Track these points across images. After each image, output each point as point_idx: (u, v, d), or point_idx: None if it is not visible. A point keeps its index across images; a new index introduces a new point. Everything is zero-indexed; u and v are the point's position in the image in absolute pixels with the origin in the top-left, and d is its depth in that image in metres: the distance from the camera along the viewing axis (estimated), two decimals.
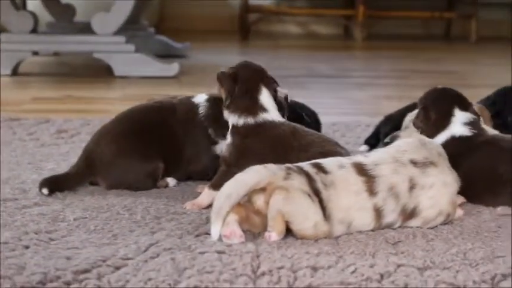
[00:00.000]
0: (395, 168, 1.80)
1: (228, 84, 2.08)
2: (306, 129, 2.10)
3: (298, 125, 2.10)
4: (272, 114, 2.06)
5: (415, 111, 2.21)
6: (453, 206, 1.87)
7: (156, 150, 2.17)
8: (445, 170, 1.87)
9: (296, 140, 2.02)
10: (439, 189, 1.84)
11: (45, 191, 2.04)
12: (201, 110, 2.23)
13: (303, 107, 2.44)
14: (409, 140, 1.94)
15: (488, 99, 2.58)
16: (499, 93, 2.59)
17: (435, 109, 2.12)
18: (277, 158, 1.88)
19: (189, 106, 2.26)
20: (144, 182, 2.14)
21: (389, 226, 1.81)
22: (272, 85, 2.12)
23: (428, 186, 1.82)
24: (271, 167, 1.72)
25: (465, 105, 2.14)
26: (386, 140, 2.01)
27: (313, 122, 2.43)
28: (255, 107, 2.05)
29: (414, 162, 1.83)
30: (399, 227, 1.81)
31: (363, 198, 1.76)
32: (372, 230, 1.78)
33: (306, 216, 1.68)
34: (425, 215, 1.82)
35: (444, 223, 1.86)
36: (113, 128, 2.20)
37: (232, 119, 2.06)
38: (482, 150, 2.06)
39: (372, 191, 1.77)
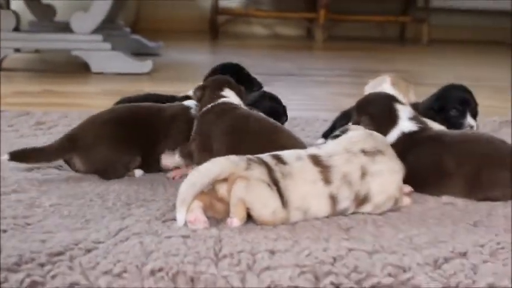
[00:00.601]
0: (347, 158, 1.82)
1: (198, 93, 2.16)
2: (263, 116, 2.12)
3: (255, 112, 2.13)
4: (232, 99, 2.13)
5: None
6: (400, 192, 1.89)
7: (137, 144, 2.15)
8: (391, 158, 1.89)
9: (250, 123, 2.05)
10: (387, 175, 1.85)
11: (5, 156, 2.03)
12: (192, 112, 2.23)
13: (277, 99, 2.45)
14: (358, 132, 1.96)
15: (434, 96, 2.61)
16: (443, 90, 2.61)
17: (378, 112, 2.13)
18: (233, 136, 2.00)
19: (178, 109, 2.27)
20: (118, 171, 2.13)
21: (344, 212, 1.81)
22: (237, 88, 2.18)
23: (378, 173, 1.83)
24: (233, 158, 1.72)
25: (399, 101, 2.17)
26: (337, 132, 2.01)
27: (284, 114, 2.43)
28: (217, 97, 2.12)
29: (364, 151, 1.84)
30: (352, 213, 1.82)
31: (319, 186, 1.77)
32: (327, 217, 1.79)
33: (265, 203, 1.69)
34: (375, 200, 1.83)
35: (392, 208, 1.88)
36: (102, 116, 2.19)
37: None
38: (428, 145, 2.07)
39: (327, 180, 1.78)
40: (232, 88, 2.18)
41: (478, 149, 2.05)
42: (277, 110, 2.37)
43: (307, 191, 1.75)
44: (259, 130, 2.04)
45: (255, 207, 1.68)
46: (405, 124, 2.12)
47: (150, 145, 2.16)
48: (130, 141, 2.15)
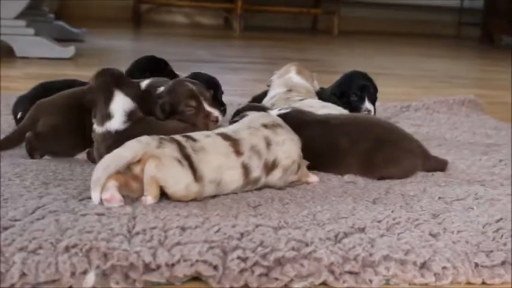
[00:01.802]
0: (251, 132, 1.85)
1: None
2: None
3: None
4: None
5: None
6: (301, 158, 1.93)
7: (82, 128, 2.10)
8: (289, 131, 1.94)
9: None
10: (289, 144, 1.90)
11: None
12: None
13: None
14: (256, 113, 2.01)
15: (337, 82, 2.65)
16: (345, 76, 2.66)
17: None
18: None
19: None
20: (68, 152, 2.12)
21: (257, 181, 1.83)
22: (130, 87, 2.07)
23: (281, 142, 1.87)
24: (145, 139, 1.70)
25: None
26: (236, 118, 2.04)
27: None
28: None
29: (265, 125, 1.89)
30: (260, 189, 1.85)
31: (232, 158, 1.78)
32: (242, 189, 1.81)
33: (177, 180, 1.68)
34: (283, 163, 1.86)
35: (299, 183, 1.94)
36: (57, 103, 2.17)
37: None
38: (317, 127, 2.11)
39: (238, 152, 1.80)
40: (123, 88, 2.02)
41: (369, 130, 2.08)
42: (215, 82, 2.39)
43: (220, 163, 1.76)
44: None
45: (168, 184, 1.68)
46: (277, 112, 2.15)
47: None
48: (79, 127, 2.11)
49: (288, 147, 1.89)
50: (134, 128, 1.95)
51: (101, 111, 1.97)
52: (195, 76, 2.37)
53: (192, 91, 2.04)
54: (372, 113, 2.55)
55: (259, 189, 1.86)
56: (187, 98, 2.03)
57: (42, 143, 2.10)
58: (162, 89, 2.10)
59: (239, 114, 2.13)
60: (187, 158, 1.70)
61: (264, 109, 2.20)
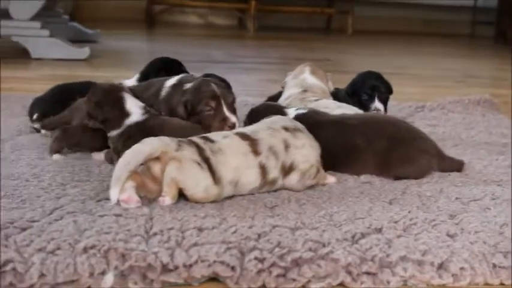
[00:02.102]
0: (270, 133, 1.86)
1: (98, 113, 2.07)
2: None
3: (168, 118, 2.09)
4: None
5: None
6: (319, 163, 1.93)
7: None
8: (310, 136, 1.94)
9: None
10: (309, 148, 1.90)
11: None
12: None
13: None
14: (277, 116, 2.01)
15: (351, 81, 2.67)
16: (358, 76, 2.67)
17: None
18: None
19: None
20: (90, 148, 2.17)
21: (274, 182, 1.83)
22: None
23: (301, 146, 1.88)
24: (164, 139, 1.71)
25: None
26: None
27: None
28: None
29: (286, 128, 1.89)
30: (276, 191, 1.85)
31: (249, 158, 1.79)
32: (259, 190, 1.81)
33: (197, 182, 1.68)
34: (301, 167, 1.87)
35: (318, 184, 1.92)
36: None
37: None
38: (333, 127, 2.11)
39: (256, 152, 1.80)
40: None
41: (385, 130, 2.08)
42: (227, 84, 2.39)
43: (238, 163, 1.76)
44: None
45: (188, 186, 1.68)
46: (295, 112, 2.17)
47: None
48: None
49: (306, 151, 1.89)
50: (151, 119, 2.02)
51: (116, 115, 2.03)
52: (207, 77, 2.38)
53: (213, 92, 2.04)
54: (382, 112, 2.55)
55: (276, 190, 1.86)
56: (207, 98, 2.02)
57: (70, 136, 2.14)
58: (188, 85, 2.11)
59: (254, 113, 2.14)
60: (206, 160, 1.71)
61: (280, 108, 2.21)
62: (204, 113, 2.03)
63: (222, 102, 2.02)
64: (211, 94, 2.03)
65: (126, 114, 2.03)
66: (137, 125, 2.01)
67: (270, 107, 2.22)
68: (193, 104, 2.04)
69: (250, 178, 1.79)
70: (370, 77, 2.65)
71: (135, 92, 2.16)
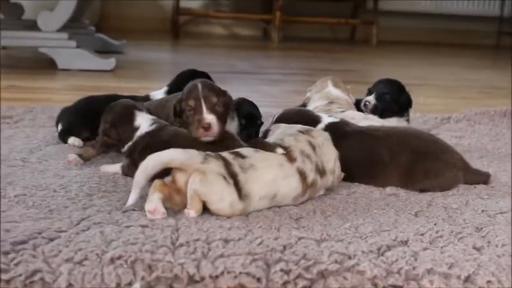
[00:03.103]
0: (294, 138, 1.88)
1: (113, 132, 2.13)
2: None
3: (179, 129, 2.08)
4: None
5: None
6: (337, 155, 1.96)
7: None
8: (321, 132, 1.99)
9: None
10: (328, 144, 1.94)
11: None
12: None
13: (254, 105, 2.46)
14: (283, 124, 2.04)
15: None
16: (375, 84, 2.67)
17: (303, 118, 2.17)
18: None
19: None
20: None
21: (314, 184, 1.85)
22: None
23: (321, 144, 1.91)
24: (190, 151, 1.72)
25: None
26: (261, 136, 2.08)
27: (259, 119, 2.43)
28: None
29: (301, 131, 1.92)
30: (323, 187, 1.88)
31: (286, 167, 1.79)
32: (303, 196, 1.83)
33: (221, 197, 1.68)
34: (329, 167, 1.91)
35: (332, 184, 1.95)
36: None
37: None
38: (359, 138, 2.12)
39: (291, 159, 1.81)
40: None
41: (411, 142, 2.08)
42: (255, 115, 2.37)
43: (275, 175, 1.76)
44: None
45: (211, 200, 1.67)
46: (328, 119, 2.18)
47: None
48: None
49: (326, 149, 1.92)
50: (162, 129, 2.04)
51: (127, 130, 2.07)
52: (240, 102, 2.39)
53: (194, 91, 1.99)
54: (370, 104, 2.55)
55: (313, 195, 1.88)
56: (188, 98, 1.99)
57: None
58: None
59: (284, 120, 2.14)
60: (233, 176, 1.70)
61: (312, 114, 2.21)
62: (186, 113, 2.01)
63: (203, 102, 1.97)
64: (191, 94, 1.99)
65: (135, 128, 2.07)
66: (148, 134, 2.04)
67: (302, 113, 2.22)
68: (180, 103, 2.04)
69: (291, 186, 1.79)
70: (380, 81, 2.66)
71: (151, 110, 2.22)
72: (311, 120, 2.16)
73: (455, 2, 8.08)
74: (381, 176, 2.05)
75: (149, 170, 1.67)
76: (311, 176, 1.83)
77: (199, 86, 1.99)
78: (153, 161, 1.68)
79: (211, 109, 1.96)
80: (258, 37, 7.87)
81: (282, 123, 2.09)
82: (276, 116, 2.24)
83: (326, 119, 2.17)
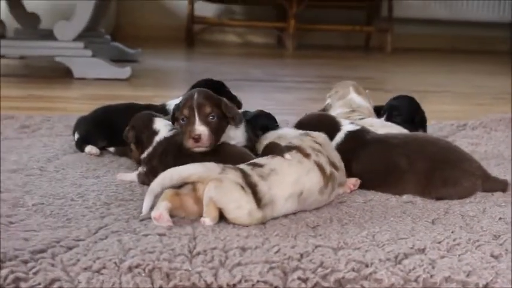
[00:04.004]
0: (300, 138, 1.92)
1: (131, 135, 2.17)
2: None
3: None
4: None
5: None
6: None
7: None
8: (320, 134, 2.00)
9: None
10: (328, 143, 1.98)
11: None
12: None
13: (272, 117, 2.47)
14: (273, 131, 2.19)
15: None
16: (388, 103, 2.65)
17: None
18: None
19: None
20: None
21: (333, 176, 1.88)
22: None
23: (323, 142, 1.95)
24: (208, 164, 1.72)
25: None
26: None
27: None
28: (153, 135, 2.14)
29: (300, 134, 1.96)
30: (317, 209, 1.84)
31: (306, 163, 1.81)
32: (325, 189, 1.84)
33: (238, 205, 1.67)
34: (338, 164, 1.95)
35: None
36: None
37: None
38: (377, 145, 2.11)
39: (306, 155, 1.83)
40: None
41: (429, 150, 2.07)
42: (272, 128, 2.38)
43: (297, 174, 1.78)
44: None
45: (228, 208, 1.67)
46: (348, 126, 2.18)
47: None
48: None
49: (328, 146, 1.97)
50: (178, 134, 2.04)
51: (146, 135, 2.10)
52: (257, 115, 2.40)
53: (189, 101, 1.98)
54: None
55: (317, 209, 1.86)
56: (183, 107, 1.99)
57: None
58: None
59: (304, 125, 2.16)
60: (251, 186, 1.70)
61: (333, 119, 2.21)
62: (180, 122, 2.02)
63: (196, 113, 1.96)
64: (186, 102, 1.99)
65: (155, 132, 2.10)
66: (166, 139, 2.07)
67: (323, 118, 2.22)
68: (176, 112, 2.05)
69: (314, 180, 1.81)
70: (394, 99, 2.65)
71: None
72: (331, 126, 2.16)
73: (470, 8, 8.05)
74: (398, 184, 2.05)
75: (166, 181, 1.69)
76: (327, 168, 1.86)
77: (195, 95, 1.99)
78: (171, 175, 1.69)
79: (204, 120, 1.95)
80: (272, 45, 7.87)
81: (301, 128, 2.12)
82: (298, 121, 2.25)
83: (346, 127, 2.17)
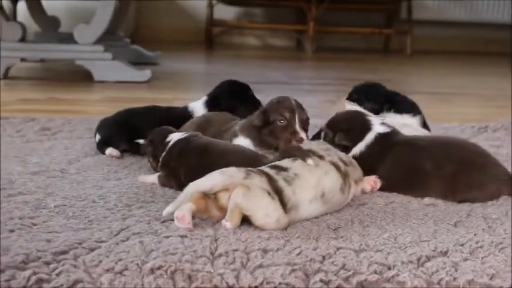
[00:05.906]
0: (308, 144, 2.00)
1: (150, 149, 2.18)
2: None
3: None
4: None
5: None
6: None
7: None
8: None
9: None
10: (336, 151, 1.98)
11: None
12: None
13: None
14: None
15: None
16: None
17: (351, 127, 2.16)
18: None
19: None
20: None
21: (347, 175, 1.89)
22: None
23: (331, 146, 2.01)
24: (228, 171, 1.71)
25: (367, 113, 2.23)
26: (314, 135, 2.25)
27: None
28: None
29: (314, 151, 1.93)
30: (339, 212, 1.83)
31: (322, 164, 1.83)
32: (344, 186, 1.85)
33: (266, 213, 1.66)
34: (347, 160, 1.95)
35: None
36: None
37: None
38: (404, 147, 2.10)
39: (320, 157, 1.85)
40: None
41: (454, 153, 2.06)
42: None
43: (317, 175, 1.79)
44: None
45: (257, 215, 1.66)
46: (379, 128, 2.15)
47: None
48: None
49: (330, 146, 2.00)
50: (197, 135, 2.08)
51: (161, 144, 2.11)
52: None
53: (290, 104, 2.10)
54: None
55: (338, 211, 1.86)
56: (283, 108, 2.07)
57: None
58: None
59: (336, 122, 2.18)
60: (277, 192, 1.69)
61: (364, 116, 2.19)
62: (277, 123, 2.06)
63: (296, 116, 2.07)
64: (288, 106, 2.10)
65: (167, 143, 2.10)
66: (180, 141, 2.07)
67: (353, 117, 2.20)
68: (269, 113, 2.09)
69: (334, 179, 1.82)
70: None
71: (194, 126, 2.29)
72: (360, 126, 2.15)
73: (489, 10, 8.00)
74: (422, 187, 2.03)
75: (188, 195, 1.69)
76: (341, 165, 1.87)
77: (293, 101, 2.12)
78: (193, 189, 1.69)
79: (303, 124, 2.11)
80: (291, 47, 7.87)
81: (331, 127, 2.15)
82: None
83: (377, 128, 2.14)
